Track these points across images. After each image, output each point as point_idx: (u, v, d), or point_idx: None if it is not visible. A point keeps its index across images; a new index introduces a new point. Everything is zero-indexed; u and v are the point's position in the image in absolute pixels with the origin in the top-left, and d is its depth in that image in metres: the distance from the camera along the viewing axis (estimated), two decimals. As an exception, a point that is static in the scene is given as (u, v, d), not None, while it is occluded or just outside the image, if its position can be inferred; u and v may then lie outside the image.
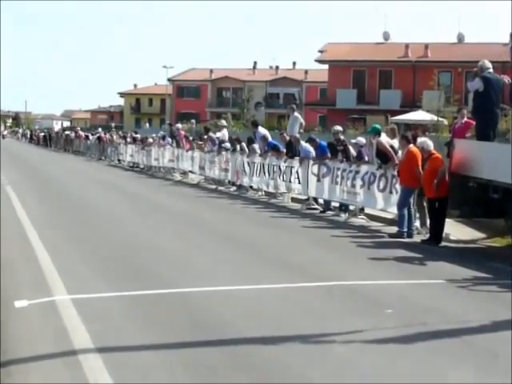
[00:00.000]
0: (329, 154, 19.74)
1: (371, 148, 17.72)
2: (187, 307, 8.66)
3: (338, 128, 20.14)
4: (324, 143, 20.33)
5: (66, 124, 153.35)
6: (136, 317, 8.19)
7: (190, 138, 32.71)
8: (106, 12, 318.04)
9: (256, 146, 24.73)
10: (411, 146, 15.29)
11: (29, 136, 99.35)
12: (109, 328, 7.59)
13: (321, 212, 19.35)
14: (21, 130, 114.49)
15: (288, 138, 22.91)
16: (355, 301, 9.28)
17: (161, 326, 7.75)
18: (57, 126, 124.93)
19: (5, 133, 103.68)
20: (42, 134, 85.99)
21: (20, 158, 49.67)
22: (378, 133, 17.31)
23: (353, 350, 7.00)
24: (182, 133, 34.53)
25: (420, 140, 15.22)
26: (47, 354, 6.67)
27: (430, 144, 14.84)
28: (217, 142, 28.54)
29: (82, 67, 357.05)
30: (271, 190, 23.07)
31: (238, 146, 26.37)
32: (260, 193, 23.98)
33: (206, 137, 30.01)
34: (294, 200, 21.87)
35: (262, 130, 25.66)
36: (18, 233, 14.32)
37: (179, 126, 38.23)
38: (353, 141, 19.05)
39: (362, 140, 18.73)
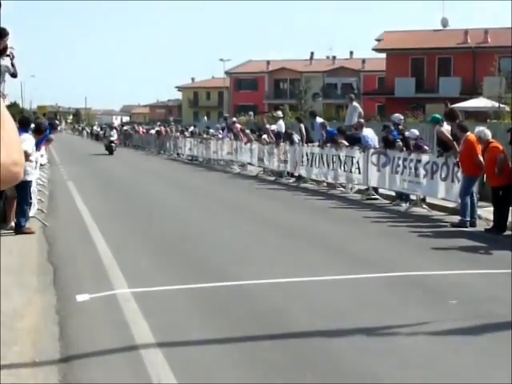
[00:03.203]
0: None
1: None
2: (248, 300, 8.59)
3: (400, 116, 19.99)
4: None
5: (126, 119, 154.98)
6: (197, 310, 8.16)
7: (247, 131, 32.66)
8: (163, 7, 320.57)
9: (296, 136, 25.76)
10: (468, 134, 15.02)
11: (89, 132, 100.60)
12: (170, 322, 7.57)
13: (392, 203, 18.98)
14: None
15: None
16: (418, 292, 9.12)
17: (223, 319, 7.70)
18: (116, 122, 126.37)
19: (114, 137, 50.24)
20: (101, 129, 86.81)
21: (79, 153, 50.24)
22: (437, 122, 17.08)
23: (418, 343, 6.86)
24: (238, 126, 34.53)
25: (477, 129, 14.93)
26: (108, 348, 6.68)
27: (488, 133, 14.53)
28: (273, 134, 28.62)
29: (140, 63, 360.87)
30: (331, 180, 22.91)
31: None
32: (320, 183, 23.84)
33: (266, 136, 29.77)
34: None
35: (319, 120, 25.55)
36: (79, 227, 14.45)
37: (234, 119, 38.31)
38: (406, 133, 18.84)
39: (414, 132, 18.54)
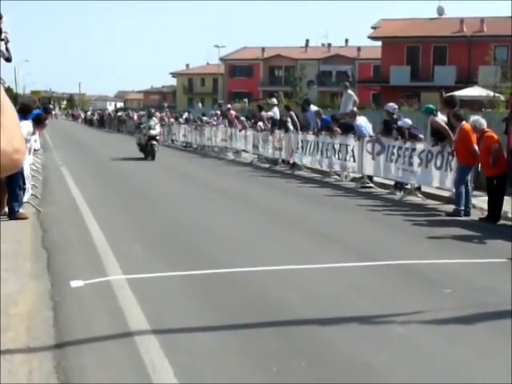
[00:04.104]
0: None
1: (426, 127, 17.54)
2: (242, 287, 8.59)
3: (394, 105, 19.98)
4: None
5: (120, 105, 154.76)
6: (191, 297, 8.15)
7: (242, 118, 32.58)
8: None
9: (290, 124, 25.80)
10: (463, 123, 15.02)
11: (83, 117, 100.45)
12: (164, 308, 7.56)
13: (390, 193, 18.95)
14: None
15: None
16: (413, 280, 9.13)
17: (217, 306, 7.70)
18: (110, 107, 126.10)
19: (156, 130, 31.03)
20: (94, 116, 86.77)
21: (73, 138, 50.13)
22: (431, 112, 17.06)
23: (412, 331, 6.87)
24: (233, 113, 34.46)
25: (472, 119, 14.95)
26: (102, 335, 6.67)
27: (483, 122, 14.52)
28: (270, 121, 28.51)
29: (135, 48, 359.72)
30: (325, 168, 22.89)
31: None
32: (314, 171, 23.81)
33: (261, 123, 29.72)
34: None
35: (314, 108, 25.51)
36: (73, 213, 14.42)
37: (229, 106, 38.23)
38: (399, 123, 18.81)
39: (407, 121, 18.52)
